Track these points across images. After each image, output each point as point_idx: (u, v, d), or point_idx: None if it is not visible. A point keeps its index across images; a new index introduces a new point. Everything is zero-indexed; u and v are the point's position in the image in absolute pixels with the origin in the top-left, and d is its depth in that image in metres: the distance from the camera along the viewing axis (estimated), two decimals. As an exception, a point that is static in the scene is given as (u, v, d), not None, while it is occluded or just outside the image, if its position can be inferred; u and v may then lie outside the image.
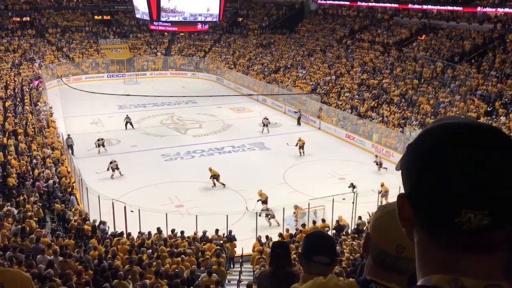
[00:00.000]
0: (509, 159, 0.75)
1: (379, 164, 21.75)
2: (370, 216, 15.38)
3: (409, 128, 24.78)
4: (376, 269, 1.35)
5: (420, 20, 38.02)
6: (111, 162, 20.68)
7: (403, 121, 26.06)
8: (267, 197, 17.45)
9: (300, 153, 23.60)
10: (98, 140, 23.80)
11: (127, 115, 28.60)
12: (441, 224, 0.77)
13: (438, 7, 36.60)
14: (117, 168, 20.69)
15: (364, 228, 15.10)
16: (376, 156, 22.45)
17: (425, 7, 37.67)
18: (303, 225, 15.30)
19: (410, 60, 33.16)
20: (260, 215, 16.47)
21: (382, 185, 18.02)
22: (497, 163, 0.74)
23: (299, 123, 30.59)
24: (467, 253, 0.78)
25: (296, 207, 16.57)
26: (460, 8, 34.69)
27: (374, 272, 1.35)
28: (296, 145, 23.67)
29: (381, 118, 27.29)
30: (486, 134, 0.77)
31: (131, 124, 28.19)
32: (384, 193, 17.73)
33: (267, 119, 28.03)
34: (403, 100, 28.61)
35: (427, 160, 0.77)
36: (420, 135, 0.83)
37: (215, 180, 19.85)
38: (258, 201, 17.34)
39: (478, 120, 0.84)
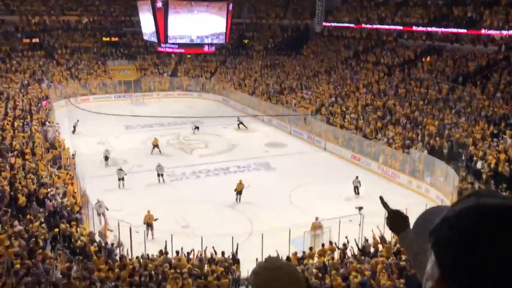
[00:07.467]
0: None
1: (357, 188, 21.53)
2: (375, 237, 15.30)
3: (414, 150, 24.73)
4: None
5: (424, 41, 38.32)
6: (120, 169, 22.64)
7: (408, 141, 26.02)
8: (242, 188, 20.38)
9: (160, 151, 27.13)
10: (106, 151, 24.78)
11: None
12: None
13: (443, 29, 36.89)
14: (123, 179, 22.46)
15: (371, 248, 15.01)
16: (357, 177, 21.77)
17: (429, 29, 37.99)
18: (311, 248, 15.19)
19: (415, 81, 33.32)
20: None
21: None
22: None
23: (240, 127, 33.48)
24: None
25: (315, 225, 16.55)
26: (464, 31, 34.93)
27: None
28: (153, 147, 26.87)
29: (387, 139, 27.27)
30: None
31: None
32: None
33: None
34: (407, 121, 28.64)
35: (479, 237, 0.77)
36: (455, 218, 0.83)
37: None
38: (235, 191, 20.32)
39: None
